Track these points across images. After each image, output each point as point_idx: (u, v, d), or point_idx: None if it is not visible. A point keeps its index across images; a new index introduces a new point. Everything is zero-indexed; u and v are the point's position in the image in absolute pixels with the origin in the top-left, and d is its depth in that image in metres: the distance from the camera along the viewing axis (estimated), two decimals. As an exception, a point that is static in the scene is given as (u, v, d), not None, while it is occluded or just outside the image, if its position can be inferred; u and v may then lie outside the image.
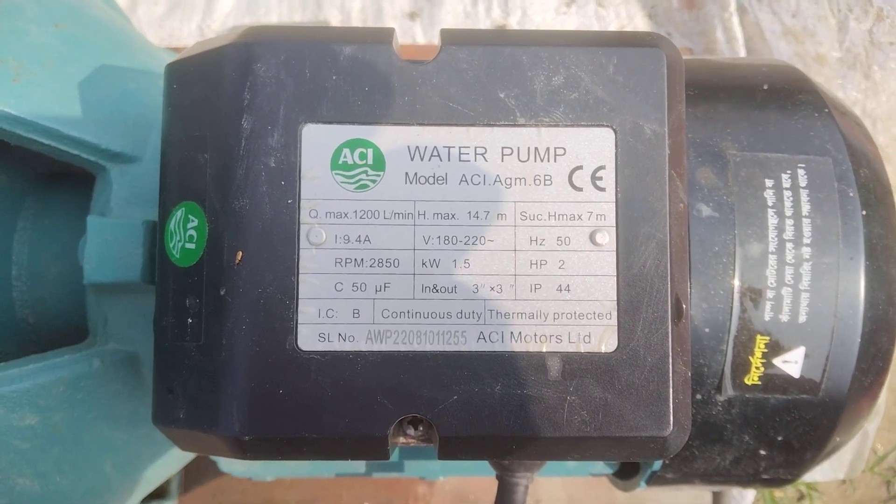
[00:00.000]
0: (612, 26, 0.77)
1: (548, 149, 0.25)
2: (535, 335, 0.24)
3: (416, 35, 0.76)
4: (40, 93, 0.30)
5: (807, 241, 0.29)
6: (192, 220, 0.24)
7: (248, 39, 0.24)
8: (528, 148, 0.24)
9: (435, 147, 0.24)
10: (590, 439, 0.24)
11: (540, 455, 0.25)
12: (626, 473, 0.39)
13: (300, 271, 0.24)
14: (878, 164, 0.32)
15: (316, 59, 0.24)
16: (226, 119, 0.24)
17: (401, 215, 0.24)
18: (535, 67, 0.24)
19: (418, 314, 0.24)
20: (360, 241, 0.24)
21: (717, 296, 0.28)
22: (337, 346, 0.24)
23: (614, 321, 0.24)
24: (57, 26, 0.32)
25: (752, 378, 0.29)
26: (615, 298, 0.24)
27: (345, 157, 0.24)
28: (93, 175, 0.33)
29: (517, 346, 0.24)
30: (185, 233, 0.25)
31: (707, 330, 0.28)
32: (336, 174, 0.24)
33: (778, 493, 0.74)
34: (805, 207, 0.29)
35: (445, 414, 0.24)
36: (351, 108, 0.24)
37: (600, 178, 0.25)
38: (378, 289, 0.24)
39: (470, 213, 0.24)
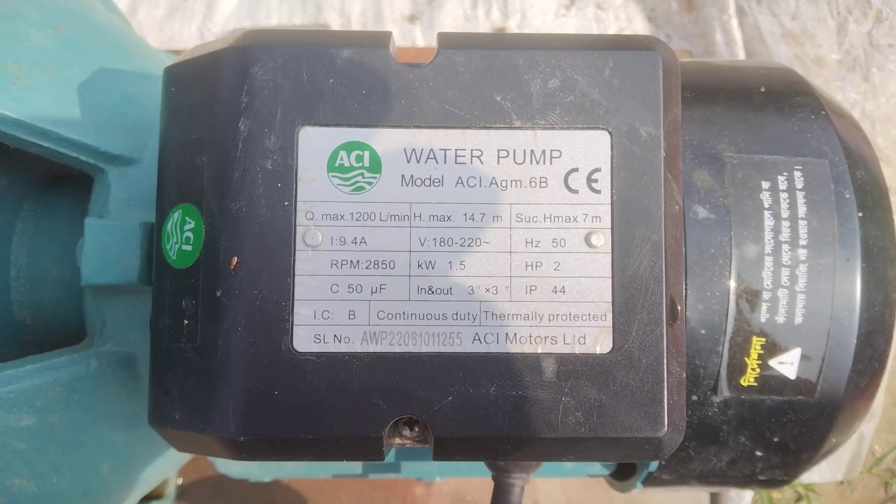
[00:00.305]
0: (612, 29, 0.78)
1: (544, 151, 0.25)
2: (531, 336, 0.24)
3: (415, 38, 0.76)
4: (40, 96, 0.30)
5: (803, 242, 0.29)
6: (189, 222, 0.25)
7: (245, 43, 0.24)
8: (524, 150, 0.25)
9: (431, 149, 0.24)
10: (584, 440, 0.24)
11: (535, 456, 0.25)
12: (622, 475, 0.39)
13: (296, 273, 0.24)
14: (875, 166, 0.32)
15: (313, 63, 0.24)
16: (223, 122, 0.24)
17: (397, 217, 0.24)
18: (531, 71, 0.24)
19: (414, 315, 0.24)
20: (356, 242, 0.24)
21: (713, 297, 0.28)
22: (332, 347, 0.24)
23: (609, 323, 0.24)
24: (57, 30, 0.32)
25: (748, 379, 0.29)
26: (610, 300, 0.24)
27: (341, 159, 0.24)
28: (91, 177, 0.33)
29: (512, 348, 0.24)
30: (182, 235, 0.25)
31: (703, 331, 0.28)
32: (332, 176, 0.24)
33: (776, 494, 0.74)
34: (801, 209, 0.29)
35: (440, 415, 0.24)
36: (348, 111, 0.24)
37: (596, 181, 0.25)
38: (374, 290, 0.24)
39: (466, 215, 0.24)
